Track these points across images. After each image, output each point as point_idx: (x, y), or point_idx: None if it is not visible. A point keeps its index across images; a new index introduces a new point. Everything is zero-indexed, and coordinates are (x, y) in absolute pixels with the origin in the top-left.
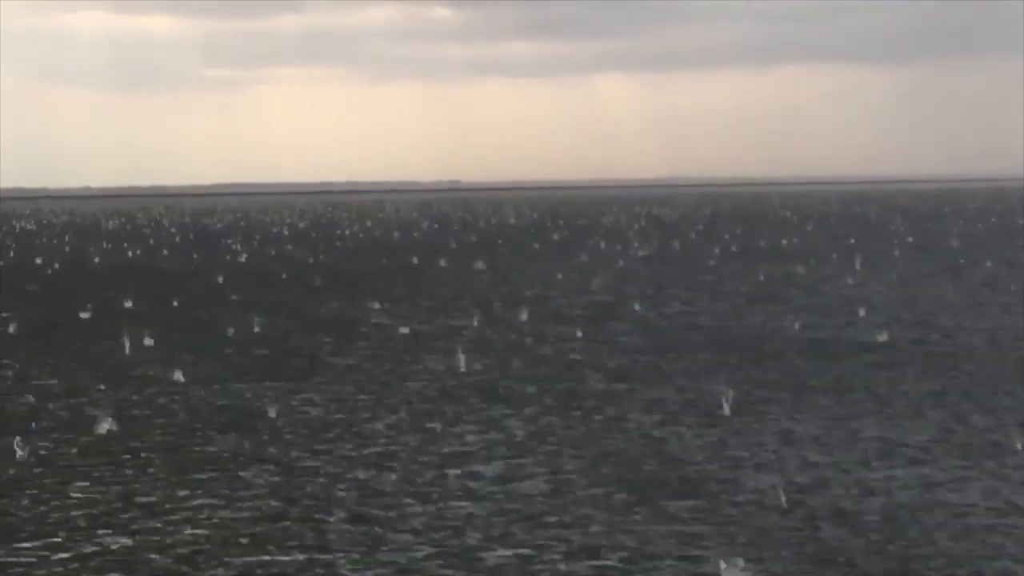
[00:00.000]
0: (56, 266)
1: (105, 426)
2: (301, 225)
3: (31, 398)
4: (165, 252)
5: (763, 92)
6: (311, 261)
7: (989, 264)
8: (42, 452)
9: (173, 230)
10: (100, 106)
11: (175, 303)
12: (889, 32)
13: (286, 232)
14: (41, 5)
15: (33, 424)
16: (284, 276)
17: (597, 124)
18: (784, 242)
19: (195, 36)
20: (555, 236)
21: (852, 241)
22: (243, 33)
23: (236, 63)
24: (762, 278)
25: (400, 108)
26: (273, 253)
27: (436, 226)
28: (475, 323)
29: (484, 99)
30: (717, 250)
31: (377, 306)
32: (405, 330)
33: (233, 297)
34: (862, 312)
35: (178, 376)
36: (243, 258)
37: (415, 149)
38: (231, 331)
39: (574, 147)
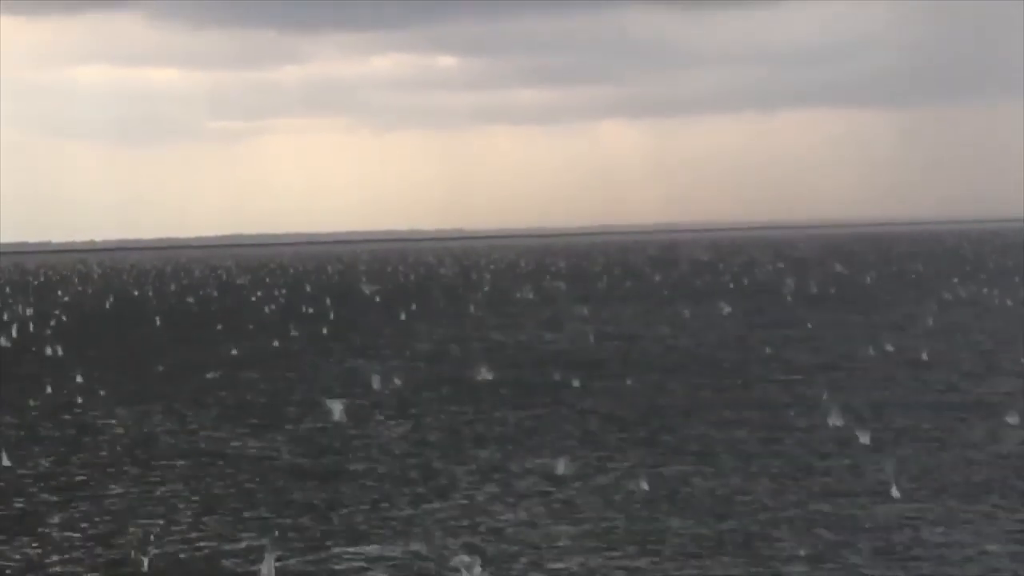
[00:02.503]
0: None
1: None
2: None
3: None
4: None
5: (767, 137)
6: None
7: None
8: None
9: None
10: (105, 159)
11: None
12: (893, 75)
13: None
14: (46, 60)
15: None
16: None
17: (602, 170)
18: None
19: (200, 88)
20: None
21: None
22: (247, 84)
23: (241, 114)
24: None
25: (405, 157)
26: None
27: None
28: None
29: (489, 147)
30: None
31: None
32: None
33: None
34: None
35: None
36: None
37: (420, 198)
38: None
39: (579, 194)
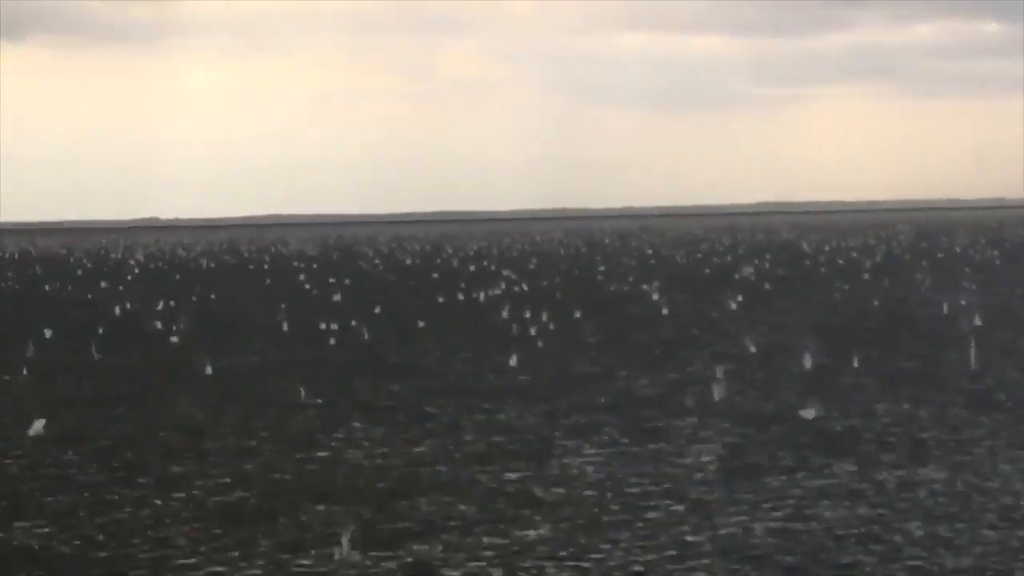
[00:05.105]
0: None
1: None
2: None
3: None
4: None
5: None
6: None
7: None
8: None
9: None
10: (645, 126)
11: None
12: None
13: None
14: (593, 28)
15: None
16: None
17: None
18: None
19: (742, 55)
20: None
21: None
22: (790, 51)
23: (782, 81)
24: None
25: (944, 125)
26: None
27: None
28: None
29: None
30: None
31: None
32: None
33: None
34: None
35: None
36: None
37: (960, 166)
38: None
39: None
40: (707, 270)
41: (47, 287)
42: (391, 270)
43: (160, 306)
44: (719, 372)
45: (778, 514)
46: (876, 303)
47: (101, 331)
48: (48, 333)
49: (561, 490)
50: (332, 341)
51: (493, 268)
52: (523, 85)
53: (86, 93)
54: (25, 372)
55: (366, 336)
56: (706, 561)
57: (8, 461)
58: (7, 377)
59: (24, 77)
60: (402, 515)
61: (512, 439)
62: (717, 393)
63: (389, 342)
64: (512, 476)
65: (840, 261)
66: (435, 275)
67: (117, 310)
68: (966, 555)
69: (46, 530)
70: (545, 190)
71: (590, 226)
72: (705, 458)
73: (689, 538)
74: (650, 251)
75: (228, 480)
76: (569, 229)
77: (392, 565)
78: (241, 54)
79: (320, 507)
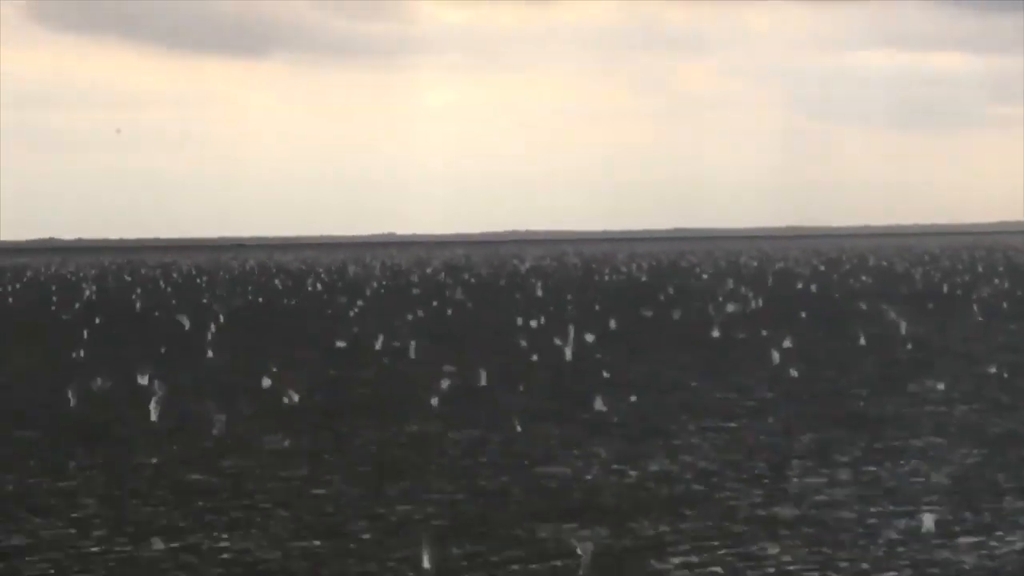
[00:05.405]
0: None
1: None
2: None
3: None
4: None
5: None
6: None
7: None
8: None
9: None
10: (883, 143)
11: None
12: None
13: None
14: (831, 46)
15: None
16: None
17: None
18: None
19: (980, 72)
20: None
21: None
22: None
23: (1022, 99)
24: None
25: None
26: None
27: None
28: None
29: None
30: None
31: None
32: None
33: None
34: None
35: None
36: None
37: None
38: None
39: None
40: (946, 289)
41: (287, 302)
42: (627, 286)
43: (397, 321)
44: (958, 392)
45: (1019, 536)
46: None
47: (340, 346)
48: (287, 349)
49: (798, 509)
50: (567, 356)
51: (730, 285)
52: (760, 102)
53: (325, 109)
54: (265, 386)
55: (601, 352)
56: None
57: (245, 476)
58: (248, 392)
59: (265, 93)
60: (637, 532)
61: (748, 457)
62: (956, 413)
63: (624, 358)
64: (748, 494)
65: None
66: (671, 291)
67: (355, 327)
68: None
69: (262, 544)
70: (782, 208)
71: (827, 244)
72: (944, 479)
73: (925, 557)
74: (888, 269)
75: (463, 495)
76: (806, 247)
77: None
78: (478, 71)
79: (555, 523)
